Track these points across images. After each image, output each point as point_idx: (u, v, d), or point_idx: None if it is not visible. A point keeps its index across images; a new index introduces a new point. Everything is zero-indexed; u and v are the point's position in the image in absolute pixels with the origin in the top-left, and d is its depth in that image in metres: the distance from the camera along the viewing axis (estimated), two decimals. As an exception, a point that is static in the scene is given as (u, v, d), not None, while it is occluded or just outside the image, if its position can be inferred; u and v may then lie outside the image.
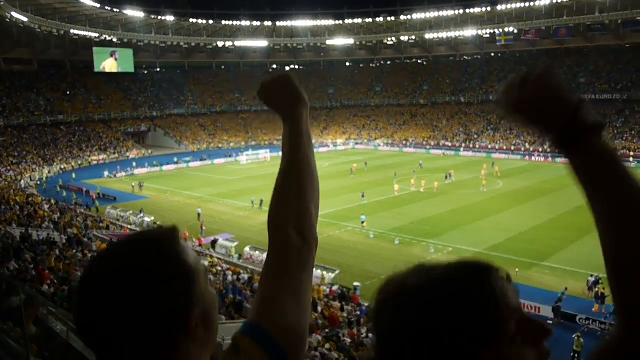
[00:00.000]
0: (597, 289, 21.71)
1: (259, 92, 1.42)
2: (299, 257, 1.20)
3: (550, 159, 64.29)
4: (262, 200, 40.25)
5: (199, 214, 36.83)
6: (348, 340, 17.00)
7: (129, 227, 36.06)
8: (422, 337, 0.82)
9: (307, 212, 1.26)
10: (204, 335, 1.01)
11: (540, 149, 69.25)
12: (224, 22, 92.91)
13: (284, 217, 1.26)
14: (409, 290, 0.88)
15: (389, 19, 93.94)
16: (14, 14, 63.29)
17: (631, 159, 60.10)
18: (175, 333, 0.96)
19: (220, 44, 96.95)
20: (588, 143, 1.02)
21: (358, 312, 20.55)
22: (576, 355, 17.58)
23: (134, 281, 0.94)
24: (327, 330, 18.19)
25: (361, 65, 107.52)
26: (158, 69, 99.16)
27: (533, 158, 65.36)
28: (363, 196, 41.57)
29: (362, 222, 34.19)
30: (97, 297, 0.94)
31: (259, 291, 1.17)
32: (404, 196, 42.72)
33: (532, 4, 78.90)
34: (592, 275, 23.16)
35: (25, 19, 66.35)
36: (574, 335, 17.86)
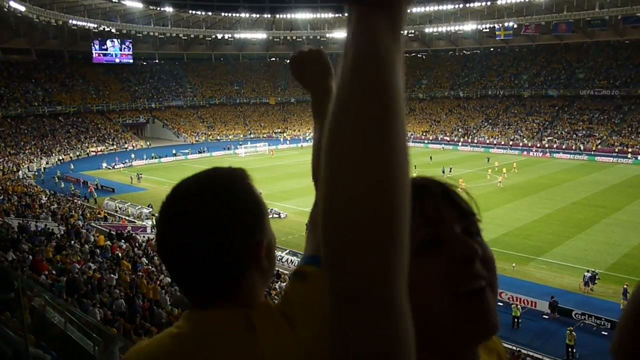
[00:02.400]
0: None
1: (291, 64, 1.45)
2: None
3: (548, 154, 64.44)
4: (260, 194, 40.31)
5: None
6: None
7: (127, 218, 36.11)
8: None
9: None
10: (267, 267, 1.08)
11: (538, 144, 69.37)
12: (223, 14, 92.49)
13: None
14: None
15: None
16: (11, 3, 62.89)
17: (629, 155, 60.28)
18: (248, 261, 1.03)
19: (219, 35, 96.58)
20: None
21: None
22: (570, 349, 17.71)
23: (217, 208, 1.01)
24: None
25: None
26: (157, 60, 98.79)
27: (531, 153, 65.43)
28: None
29: None
30: (180, 222, 1.00)
31: (313, 230, 1.25)
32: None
33: (532, -2, 78.76)
34: (588, 271, 23.28)
35: (23, 9, 65.93)
36: (566, 330, 17.97)
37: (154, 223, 32.58)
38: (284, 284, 22.74)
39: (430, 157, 59.57)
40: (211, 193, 1.04)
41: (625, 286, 21.04)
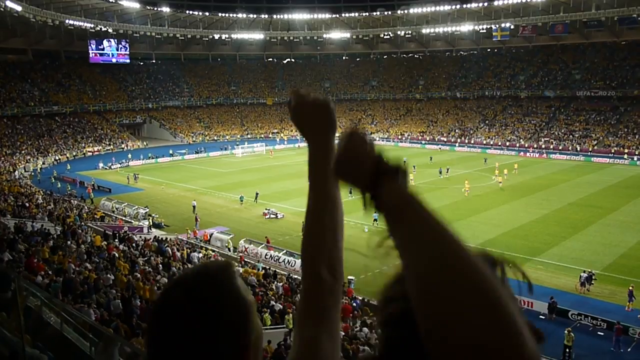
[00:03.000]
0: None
1: (292, 106, 1.36)
2: (331, 296, 1.25)
3: (544, 154, 64.58)
4: (257, 194, 40.37)
5: (194, 207, 36.81)
6: (342, 333, 17.08)
7: (124, 218, 36.05)
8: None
9: (338, 251, 1.30)
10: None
11: (535, 145, 69.50)
12: (220, 14, 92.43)
13: (318, 258, 1.28)
14: None
15: (385, 13, 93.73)
16: (8, 3, 62.71)
17: (625, 156, 60.45)
18: (236, 359, 1.04)
19: (216, 36, 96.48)
20: (388, 185, 0.95)
21: (354, 304, 20.65)
22: (567, 350, 17.74)
23: (203, 316, 1.01)
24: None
25: (357, 59, 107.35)
26: (154, 61, 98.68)
27: (527, 154, 65.55)
28: (350, 192, 41.17)
29: (375, 220, 33.72)
30: (168, 331, 1.01)
31: (297, 330, 1.25)
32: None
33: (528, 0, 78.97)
34: (584, 271, 23.34)
35: (19, 8, 65.75)
36: (565, 330, 17.99)
37: (150, 224, 32.28)
38: (281, 284, 22.74)
39: (431, 158, 59.69)
40: (196, 302, 1.02)
41: (630, 288, 21.16)
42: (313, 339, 1.19)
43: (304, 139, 1.34)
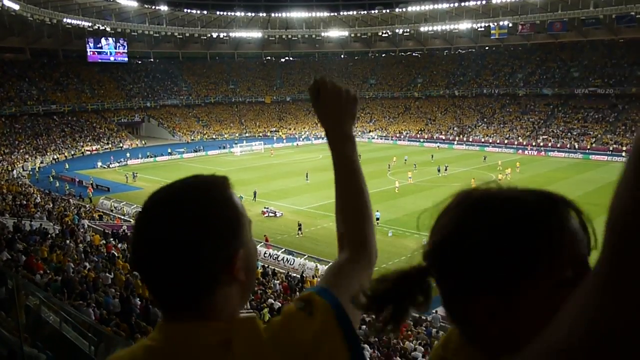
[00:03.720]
0: None
1: (321, 95, 1.42)
2: (364, 272, 1.29)
3: (543, 152, 64.64)
4: (255, 192, 40.30)
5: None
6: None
7: (123, 217, 36.02)
8: (483, 246, 0.85)
9: (372, 232, 1.38)
10: (244, 279, 1.04)
11: (533, 143, 69.56)
12: (218, 13, 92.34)
13: (368, 235, 1.36)
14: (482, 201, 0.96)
15: (384, 11, 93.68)
16: (5, 1, 62.55)
17: (623, 154, 60.50)
18: (220, 269, 1.00)
19: (214, 34, 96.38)
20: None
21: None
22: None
23: (189, 218, 0.98)
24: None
25: (356, 58, 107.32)
26: (152, 59, 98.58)
27: (526, 152, 65.60)
28: None
29: (377, 219, 32.82)
30: (153, 232, 0.99)
31: (329, 273, 1.28)
32: (398, 188, 42.76)
33: (527, -3, 78.98)
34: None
35: (16, 7, 65.60)
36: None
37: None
38: (278, 282, 22.75)
39: (432, 156, 59.74)
40: (183, 203, 1.01)
41: None
42: (345, 278, 1.22)
43: (325, 126, 1.43)
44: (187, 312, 0.99)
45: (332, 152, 1.41)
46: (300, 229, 31.00)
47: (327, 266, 23.38)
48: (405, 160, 56.37)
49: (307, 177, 46.86)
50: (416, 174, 48.19)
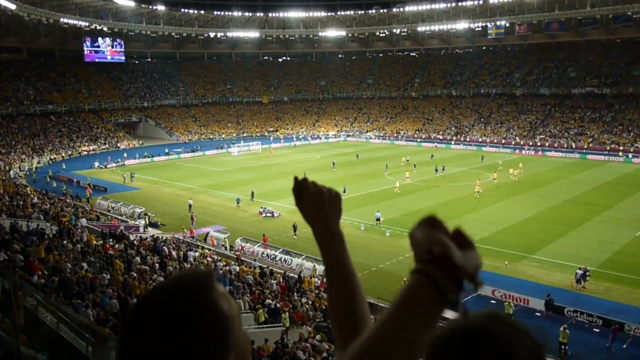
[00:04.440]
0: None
1: (299, 192, 1.47)
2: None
3: (540, 152, 64.75)
4: (253, 192, 40.31)
5: (189, 206, 36.75)
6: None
7: (120, 217, 35.96)
8: None
9: (364, 319, 1.36)
10: None
11: (531, 143, 69.65)
12: (215, 13, 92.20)
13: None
14: None
15: (381, 11, 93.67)
16: (1, 1, 62.36)
17: (620, 153, 60.66)
18: None
19: (211, 34, 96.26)
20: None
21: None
22: (562, 347, 17.81)
23: (174, 331, 0.98)
24: (317, 321, 18.32)
25: (353, 57, 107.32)
26: (149, 59, 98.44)
27: (523, 151, 65.71)
28: (344, 191, 40.90)
29: (377, 220, 33.10)
30: (138, 347, 0.98)
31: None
32: (396, 189, 42.74)
33: (524, -3, 79.03)
34: (580, 268, 23.41)
35: (13, 7, 65.41)
36: (560, 327, 18.05)
37: (146, 223, 31.95)
38: (274, 282, 22.73)
39: (432, 155, 59.82)
40: (168, 318, 0.99)
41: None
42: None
43: (311, 225, 1.43)
44: None
45: (320, 250, 1.42)
46: (295, 230, 30.77)
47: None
48: (407, 160, 56.29)
49: (304, 175, 46.74)
50: (414, 173, 48.25)
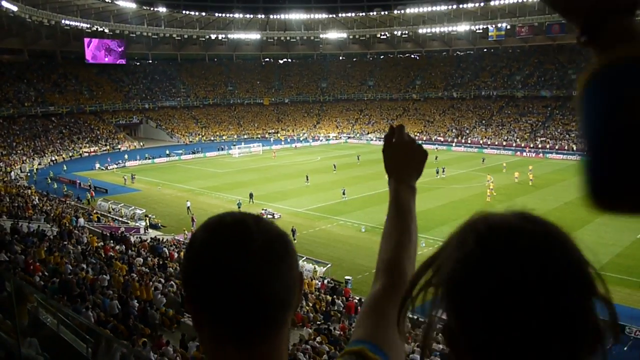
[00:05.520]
0: None
1: (395, 143, 1.48)
2: (396, 297, 1.27)
3: (541, 154, 64.73)
4: (251, 194, 40.17)
5: (188, 208, 36.75)
6: (339, 333, 17.09)
7: (120, 219, 35.97)
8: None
9: (410, 264, 1.36)
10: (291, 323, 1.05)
11: (532, 145, 69.64)
12: (216, 14, 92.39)
13: (405, 269, 1.33)
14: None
15: (382, 13, 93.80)
16: (4, 3, 62.55)
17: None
18: (298, 300, 1.02)
19: (213, 36, 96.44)
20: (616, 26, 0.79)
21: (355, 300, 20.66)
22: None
23: (286, 248, 0.98)
24: (318, 323, 18.30)
25: (354, 59, 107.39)
26: (150, 61, 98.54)
27: (524, 153, 65.69)
28: (344, 193, 40.93)
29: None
30: (260, 257, 0.95)
31: (368, 313, 1.26)
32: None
33: (525, -1, 79.07)
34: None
35: (15, 9, 65.59)
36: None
37: (147, 225, 31.72)
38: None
39: (436, 157, 59.69)
40: (279, 255, 0.97)
41: None
42: (386, 325, 1.22)
43: (391, 174, 1.45)
44: (267, 338, 0.98)
45: (392, 196, 1.43)
46: (294, 234, 30.46)
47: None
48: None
49: (307, 179, 46.78)
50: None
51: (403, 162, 1.44)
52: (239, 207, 37.72)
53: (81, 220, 29.84)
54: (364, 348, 1.13)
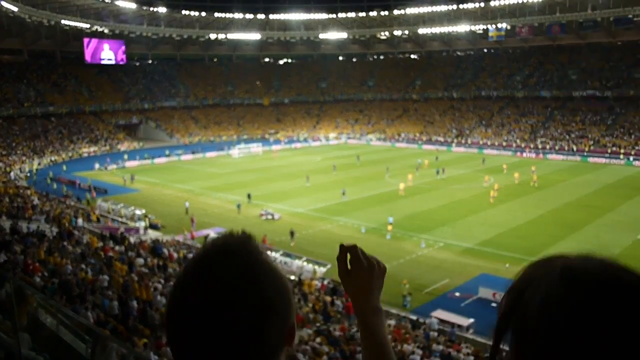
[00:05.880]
0: None
1: (346, 262, 1.35)
2: None
3: (541, 155, 64.73)
4: (249, 195, 40.12)
5: (186, 208, 36.72)
6: (339, 333, 17.08)
7: (120, 219, 35.96)
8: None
9: None
10: (292, 344, 1.00)
11: (532, 145, 69.63)
12: (216, 14, 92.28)
13: None
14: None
15: (382, 13, 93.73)
16: (3, 3, 62.47)
17: (621, 156, 60.63)
18: (281, 346, 0.96)
19: (212, 36, 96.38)
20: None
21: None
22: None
23: (253, 305, 0.92)
24: (317, 324, 18.29)
25: (354, 60, 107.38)
26: (150, 61, 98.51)
27: (524, 154, 65.70)
28: (344, 194, 40.86)
29: (390, 224, 32.31)
30: (215, 320, 0.90)
31: None
32: (396, 191, 42.67)
33: (525, 0, 78.98)
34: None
35: (15, 9, 65.53)
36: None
37: (147, 225, 31.78)
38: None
39: (437, 157, 59.77)
40: (243, 288, 0.92)
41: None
42: None
43: (354, 299, 1.35)
44: None
45: (359, 325, 1.36)
46: (292, 236, 30.32)
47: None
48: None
49: (307, 180, 46.74)
50: (415, 176, 48.23)
51: (365, 284, 1.34)
52: (238, 209, 37.68)
53: (79, 221, 29.81)
54: None
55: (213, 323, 0.89)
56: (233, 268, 0.93)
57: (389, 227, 32.11)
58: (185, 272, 0.96)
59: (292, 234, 30.41)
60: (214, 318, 0.89)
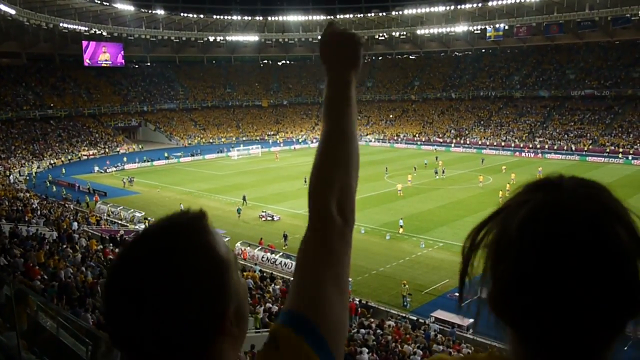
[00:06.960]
0: None
1: (322, 38, 1.34)
2: (341, 239, 1.10)
3: (539, 154, 64.76)
4: (244, 197, 39.86)
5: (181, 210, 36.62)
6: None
7: (119, 222, 35.94)
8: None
9: (349, 188, 1.17)
10: (237, 332, 0.93)
11: (530, 145, 69.68)
12: (215, 17, 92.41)
13: (327, 193, 1.12)
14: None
15: (380, 14, 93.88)
16: (1, 6, 62.51)
17: (620, 155, 60.69)
18: (211, 333, 0.89)
19: (211, 38, 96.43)
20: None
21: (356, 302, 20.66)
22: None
23: (166, 280, 0.86)
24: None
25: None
26: (148, 63, 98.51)
27: (523, 154, 65.74)
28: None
29: (401, 226, 32.19)
30: (125, 297, 0.86)
31: (298, 275, 1.07)
32: (396, 192, 42.67)
33: (523, 0, 79.14)
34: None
35: (13, 12, 65.54)
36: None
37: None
38: (278, 287, 22.70)
39: (437, 158, 59.76)
40: (159, 264, 0.86)
41: None
42: (318, 286, 1.02)
43: (327, 71, 1.30)
44: None
45: (327, 89, 1.29)
46: (285, 239, 30.03)
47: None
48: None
49: (305, 181, 46.75)
50: (414, 176, 48.25)
51: (335, 54, 1.31)
52: (238, 214, 37.37)
53: (75, 224, 29.70)
54: (276, 325, 0.99)
55: (130, 305, 0.85)
56: (154, 252, 0.88)
57: (400, 230, 32.09)
58: (120, 251, 0.94)
59: (285, 237, 30.23)
60: (130, 301, 0.85)
